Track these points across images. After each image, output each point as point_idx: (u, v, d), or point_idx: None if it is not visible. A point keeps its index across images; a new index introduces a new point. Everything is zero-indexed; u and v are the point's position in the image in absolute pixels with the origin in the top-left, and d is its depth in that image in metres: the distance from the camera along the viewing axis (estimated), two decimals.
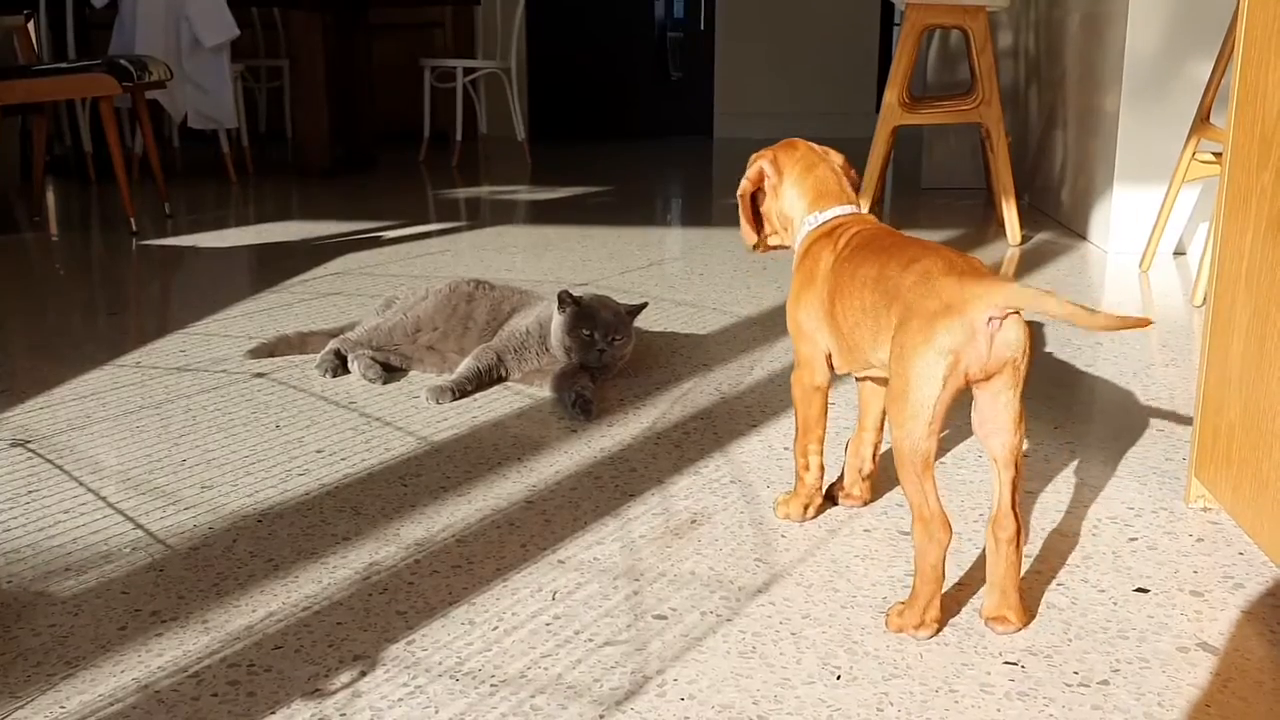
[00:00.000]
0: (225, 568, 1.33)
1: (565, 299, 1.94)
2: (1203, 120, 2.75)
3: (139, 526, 1.44)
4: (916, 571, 1.14)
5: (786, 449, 1.70)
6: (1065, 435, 1.75)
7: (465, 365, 2.00)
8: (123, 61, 3.72)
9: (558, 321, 1.96)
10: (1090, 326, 1.06)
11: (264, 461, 1.66)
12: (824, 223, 1.35)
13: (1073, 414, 1.85)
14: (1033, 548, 1.37)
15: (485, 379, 2.00)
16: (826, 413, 1.39)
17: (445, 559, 1.34)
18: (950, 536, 1.13)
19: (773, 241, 1.44)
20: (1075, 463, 1.64)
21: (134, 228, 3.72)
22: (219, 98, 4.89)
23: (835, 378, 1.37)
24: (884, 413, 1.41)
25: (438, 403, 1.91)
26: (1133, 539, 1.39)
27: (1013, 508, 1.14)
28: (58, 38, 5.18)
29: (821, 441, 1.39)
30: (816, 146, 1.42)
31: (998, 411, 1.12)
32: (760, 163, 1.39)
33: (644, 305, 2.06)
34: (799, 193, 1.38)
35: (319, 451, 1.70)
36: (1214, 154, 2.82)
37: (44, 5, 4.85)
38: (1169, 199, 2.91)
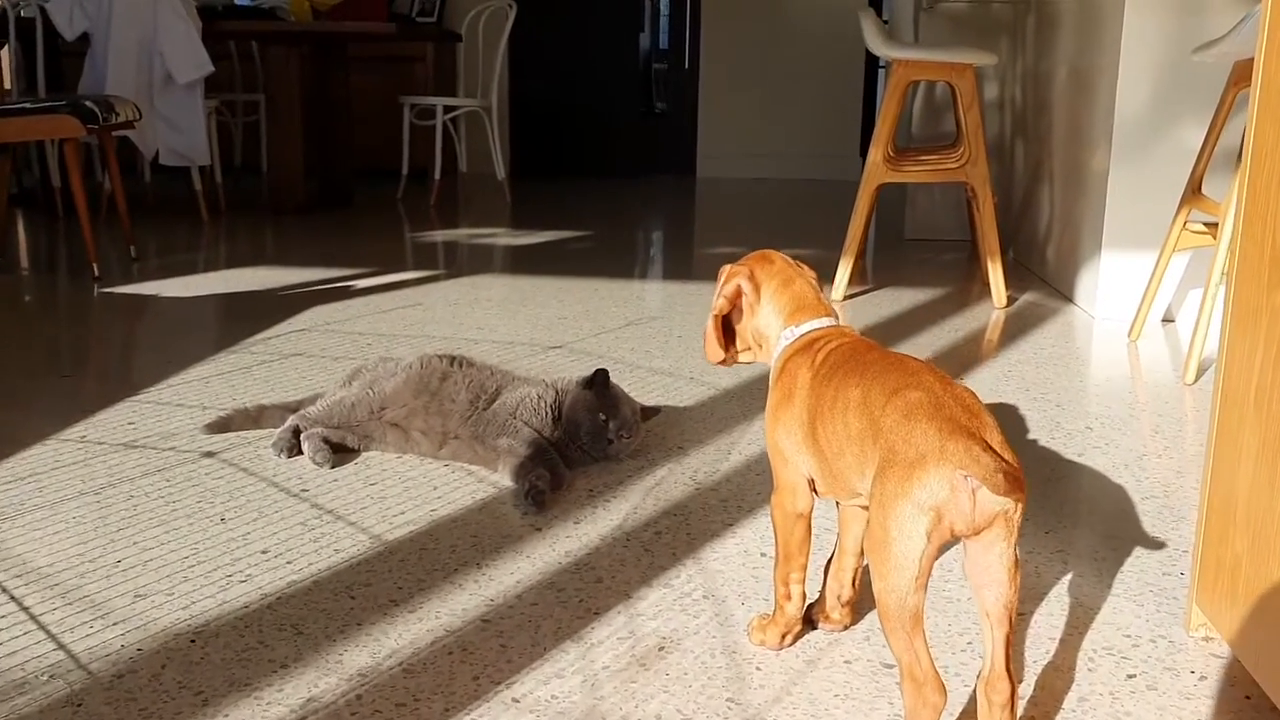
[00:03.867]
0: (149, 701, 1.21)
1: (600, 378, 1.93)
2: (1194, 191, 2.68)
3: (61, 646, 1.33)
4: None
5: (764, 554, 1.60)
6: (1056, 542, 1.66)
7: (529, 451, 1.85)
8: (88, 103, 3.61)
9: (583, 396, 1.93)
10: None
11: (204, 564, 1.55)
12: (800, 336, 1.26)
13: (1063, 516, 1.76)
14: (1025, 686, 1.27)
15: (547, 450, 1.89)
16: (810, 539, 1.29)
17: (390, 694, 1.24)
18: (945, 700, 1.03)
19: (744, 358, 1.35)
20: (1068, 576, 1.55)
21: (96, 273, 3.61)
22: (191, 135, 4.79)
23: (819, 501, 1.27)
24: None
25: (536, 508, 1.75)
26: (1131, 675, 1.30)
27: (1007, 667, 1.04)
28: (30, 67, 5.07)
29: (804, 569, 1.30)
30: (791, 260, 1.33)
31: (990, 564, 1.02)
32: (737, 280, 1.30)
33: (659, 411, 2.15)
34: (776, 308, 1.28)
35: (264, 552, 1.59)
36: (1205, 224, 2.75)
37: (13, 34, 4.75)
38: (1159, 269, 2.83)
